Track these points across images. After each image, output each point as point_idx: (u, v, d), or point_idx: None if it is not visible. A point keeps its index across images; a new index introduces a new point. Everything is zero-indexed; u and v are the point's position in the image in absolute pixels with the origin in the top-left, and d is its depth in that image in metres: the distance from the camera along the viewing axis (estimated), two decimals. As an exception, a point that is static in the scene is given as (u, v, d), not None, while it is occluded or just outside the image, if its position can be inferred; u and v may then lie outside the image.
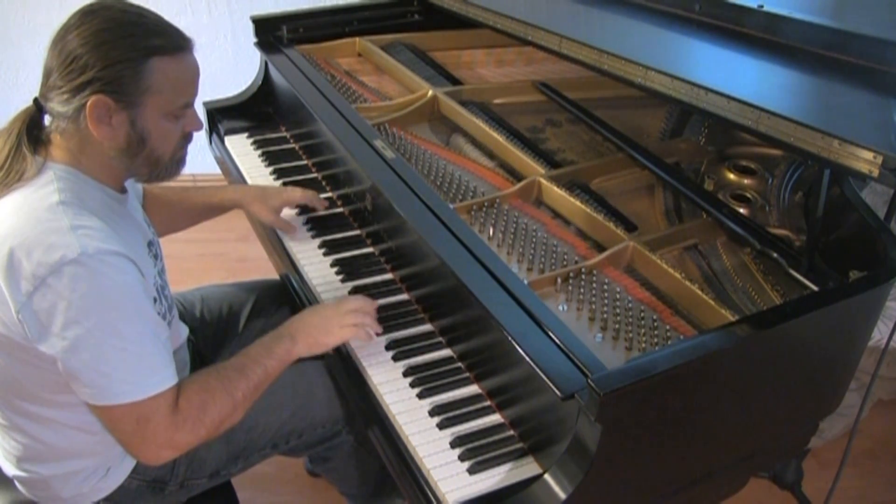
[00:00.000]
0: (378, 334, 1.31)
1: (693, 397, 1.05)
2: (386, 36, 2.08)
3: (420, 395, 1.21)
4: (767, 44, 1.39)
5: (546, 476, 1.01)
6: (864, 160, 1.08)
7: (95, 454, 1.21)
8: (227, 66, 2.98)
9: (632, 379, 0.94)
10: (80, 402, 1.12)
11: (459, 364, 1.27)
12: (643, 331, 1.19)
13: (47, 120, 1.13)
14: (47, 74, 1.09)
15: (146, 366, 1.07)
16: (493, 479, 1.08)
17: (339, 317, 1.26)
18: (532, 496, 1.02)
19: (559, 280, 1.26)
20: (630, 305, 1.23)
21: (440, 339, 1.32)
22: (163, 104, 1.11)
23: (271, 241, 1.64)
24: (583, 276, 1.28)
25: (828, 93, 1.32)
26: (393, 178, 1.44)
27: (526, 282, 1.20)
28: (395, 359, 1.28)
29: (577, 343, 1.07)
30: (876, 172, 1.07)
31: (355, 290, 1.42)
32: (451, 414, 1.17)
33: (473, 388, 1.23)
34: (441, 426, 1.16)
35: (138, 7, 1.11)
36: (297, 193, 1.59)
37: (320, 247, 1.55)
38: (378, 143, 1.53)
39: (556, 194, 1.44)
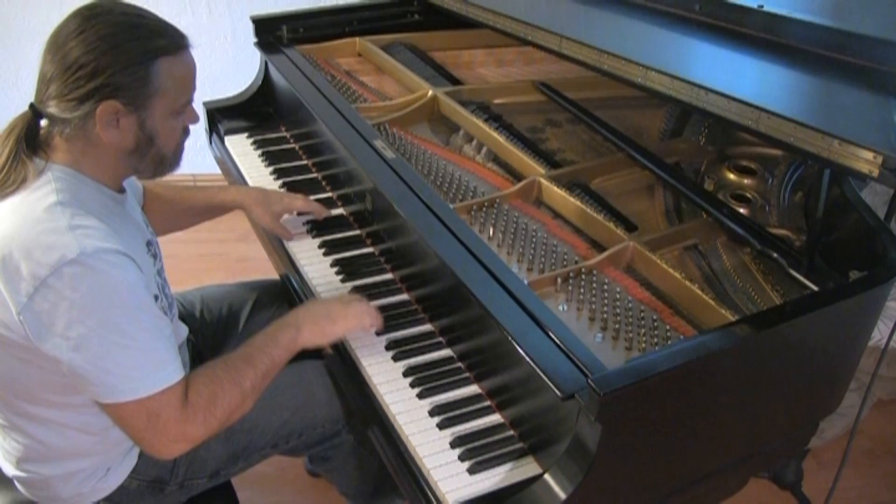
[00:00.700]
0: (378, 333, 1.31)
1: (693, 397, 1.05)
2: (386, 36, 2.08)
3: (420, 395, 1.21)
4: (767, 44, 1.39)
5: (546, 476, 1.01)
6: (864, 160, 1.08)
7: (95, 454, 1.21)
8: (227, 66, 2.98)
9: (632, 379, 0.94)
10: (81, 402, 1.13)
11: (459, 364, 1.27)
12: (643, 331, 1.19)
13: (44, 124, 1.12)
14: (46, 81, 1.07)
15: (152, 361, 1.07)
16: (493, 479, 1.08)
17: (343, 306, 1.26)
18: (532, 496, 1.02)
19: (559, 280, 1.26)
20: (630, 305, 1.23)
21: (440, 339, 1.32)
22: (169, 103, 1.11)
23: (271, 242, 1.64)
24: (583, 276, 1.28)
25: (828, 93, 1.32)
26: (393, 178, 1.44)
27: (526, 282, 1.20)
28: (395, 359, 1.28)
29: (577, 343, 1.07)
30: (876, 172, 1.07)
31: (355, 290, 1.42)
32: (451, 414, 1.17)
33: (473, 388, 1.23)
34: (441, 426, 1.16)
35: (135, 7, 1.11)
36: (299, 201, 1.58)
37: (320, 247, 1.55)
38: (378, 143, 1.53)
39: (556, 194, 1.44)
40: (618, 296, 1.25)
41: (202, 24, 2.92)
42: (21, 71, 3.00)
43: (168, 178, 1.24)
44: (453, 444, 1.13)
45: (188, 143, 1.22)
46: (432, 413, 1.18)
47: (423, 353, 1.29)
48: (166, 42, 1.09)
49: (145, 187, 1.48)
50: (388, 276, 1.47)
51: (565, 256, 1.34)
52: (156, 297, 1.17)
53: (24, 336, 1.04)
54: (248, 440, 1.36)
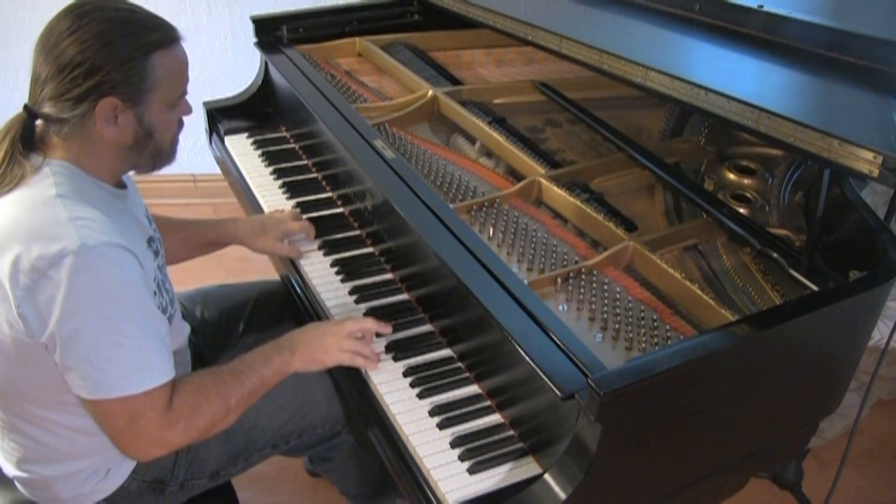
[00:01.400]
0: (378, 334, 1.30)
1: (693, 397, 1.05)
2: (386, 36, 2.08)
3: (420, 395, 1.21)
4: (767, 44, 1.39)
5: (546, 476, 1.01)
6: (864, 160, 1.08)
7: (96, 455, 1.21)
8: (227, 66, 2.98)
9: (632, 379, 0.94)
10: (81, 403, 1.12)
11: (459, 364, 1.27)
12: (643, 331, 1.19)
13: (39, 123, 1.11)
14: (40, 82, 1.07)
15: (143, 361, 1.07)
16: (494, 479, 1.08)
17: (338, 339, 1.24)
18: (532, 496, 1.02)
19: (559, 280, 1.26)
20: (630, 305, 1.23)
21: (440, 339, 1.32)
22: (165, 96, 1.11)
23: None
24: (583, 276, 1.28)
25: (828, 93, 1.32)
26: (393, 178, 1.44)
27: (526, 282, 1.20)
28: (396, 359, 1.28)
29: (577, 343, 1.07)
30: (876, 172, 1.07)
31: (355, 290, 1.42)
32: (451, 414, 1.17)
33: (473, 388, 1.23)
34: (441, 426, 1.16)
35: (125, 3, 1.11)
36: (296, 226, 1.55)
37: (320, 247, 1.55)
38: (378, 143, 1.53)
39: (556, 194, 1.44)
40: (618, 296, 1.25)
41: (202, 24, 2.91)
42: (21, 71, 3.00)
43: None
44: (453, 444, 1.13)
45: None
46: (432, 413, 1.18)
47: (423, 352, 1.29)
48: (159, 36, 1.09)
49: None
50: (388, 276, 1.47)
51: (565, 256, 1.34)
52: (155, 293, 1.16)
53: (25, 333, 1.04)
54: (248, 440, 1.36)
